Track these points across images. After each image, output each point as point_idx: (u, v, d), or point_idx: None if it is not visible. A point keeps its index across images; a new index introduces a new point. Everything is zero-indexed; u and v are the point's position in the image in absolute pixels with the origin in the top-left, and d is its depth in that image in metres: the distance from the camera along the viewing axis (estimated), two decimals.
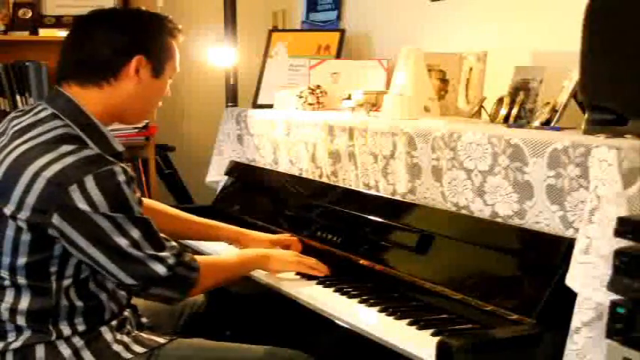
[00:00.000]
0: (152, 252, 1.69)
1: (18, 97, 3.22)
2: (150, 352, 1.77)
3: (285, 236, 2.35)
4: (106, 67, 1.77)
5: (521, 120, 2.15)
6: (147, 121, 3.37)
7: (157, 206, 2.28)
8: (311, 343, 1.95)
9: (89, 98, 1.76)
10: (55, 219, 1.61)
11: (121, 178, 1.64)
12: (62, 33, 3.35)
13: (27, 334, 1.69)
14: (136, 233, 1.66)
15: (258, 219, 2.61)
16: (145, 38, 1.80)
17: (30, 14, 3.34)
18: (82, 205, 1.60)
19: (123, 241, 1.65)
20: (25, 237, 1.64)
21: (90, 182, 1.60)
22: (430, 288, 1.86)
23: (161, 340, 1.82)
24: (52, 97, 1.78)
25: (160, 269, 1.69)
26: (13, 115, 1.81)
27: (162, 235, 1.74)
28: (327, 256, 2.20)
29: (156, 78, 1.82)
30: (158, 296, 1.75)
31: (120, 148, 1.78)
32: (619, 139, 1.66)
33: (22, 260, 1.66)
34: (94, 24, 1.81)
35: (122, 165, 1.68)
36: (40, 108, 1.76)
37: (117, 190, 1.64)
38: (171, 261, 1.71)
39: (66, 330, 1.70)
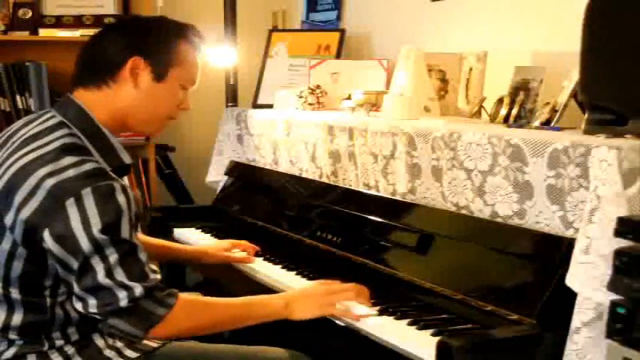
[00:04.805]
0: (122, 279, 1.59)
1: (18, 97, 3.22)
2: (143, 356, 1.75)
3: (243, 243, 2.38)
4: (105, 67, 1.76)
5: (521, 120, 2.15)
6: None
7: None
8: (310, 343, 1.95)
9: (93, 102, 1.75)
10: (46, 235, 1.58)
11: (120, 196, 1.61)
12: (62, 33, 3.36)
13: (19, 344, 1.68)
14: (113, 257, 1.59)
15: (258, 219, 2.61)
16: (144, 39, 1.78)
17: (30, 14, 3.33)
18: (74, 221, 1.56)
19: (99, 266, 1.58)
20: (21, 251, 1.62)
21: (87, 195, 1.57)
22: (430, 288, 1.86)
23: (154, 344, 1.79)
24: (62, 104, 1.77)
25: (122, 298, 1.59)
26: (23, 121, 1.79)
27: (149, 266, 1.65)
28: (327, 256, 2.20)
29: (158, 82, 1.79)
30: (116, 329, 1.63)
31: (128, 160, 1.77)
32: (619, 139, 1.66)
33: (16, 273, 1.64)
34: (106, 29, 1.84)
35: (123, 183, 1.65)
36: (48, 115, 1.75)
37: (112, 208, 1.59)
38: (137, 291, 1.59)
39: (59, 341, 1.69)
